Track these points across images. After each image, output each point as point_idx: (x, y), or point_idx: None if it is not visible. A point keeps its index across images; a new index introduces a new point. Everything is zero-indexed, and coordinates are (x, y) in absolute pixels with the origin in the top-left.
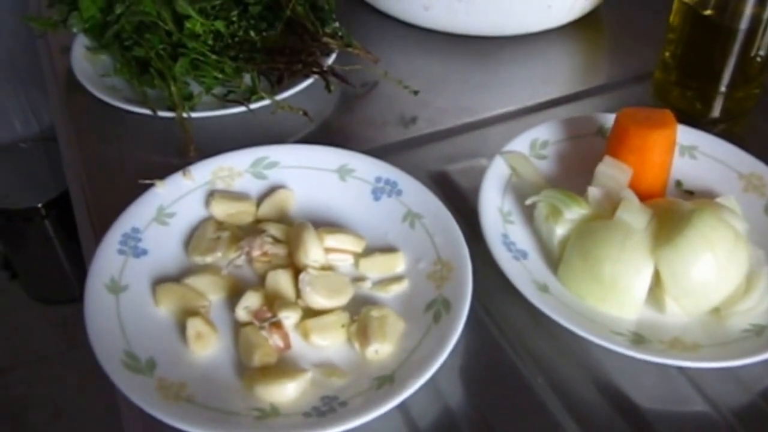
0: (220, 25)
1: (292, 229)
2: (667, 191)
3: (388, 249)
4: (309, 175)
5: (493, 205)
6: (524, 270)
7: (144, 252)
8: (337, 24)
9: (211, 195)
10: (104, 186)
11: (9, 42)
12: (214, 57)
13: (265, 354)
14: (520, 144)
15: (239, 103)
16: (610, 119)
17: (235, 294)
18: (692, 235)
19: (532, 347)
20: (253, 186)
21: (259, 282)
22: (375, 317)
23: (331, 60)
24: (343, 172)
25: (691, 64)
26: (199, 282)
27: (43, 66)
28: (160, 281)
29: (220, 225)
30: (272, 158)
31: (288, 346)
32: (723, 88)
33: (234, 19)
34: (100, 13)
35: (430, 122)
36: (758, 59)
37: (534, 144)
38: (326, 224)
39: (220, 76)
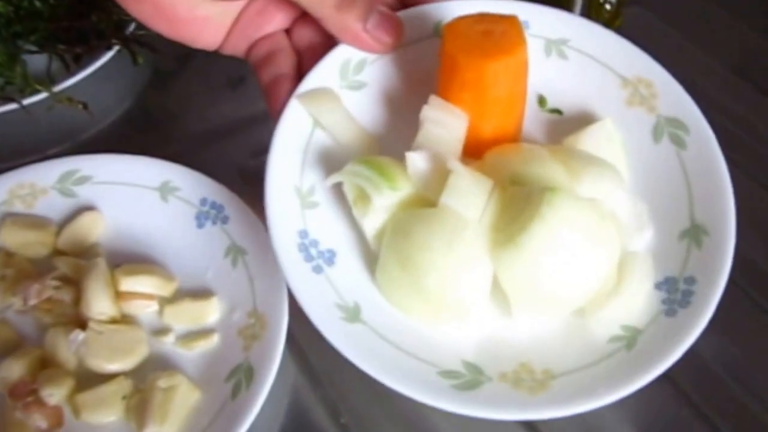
0: None
1: (83, 269)
2: (528, 115)
3: (202, 292)
4: (126, 192)
5: (287, 183)
6: (328, 287)
7: None
8: None
9: (4, 220)
10: None
11: None
12: None
13: None
14: (326, 73)
15: (9, 99)
16: (452, 10)
17: (13, 348)
18: (539, 231)
19: (362, 410)
20: (59, 206)
21: (42, 334)
22: (161, 389)
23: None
24: (166, 191)
25: None
26: None
27: None
28: None
29: (9, 259)
30: (84, 172)
31: (58, 424)
32: None
33: None
34: None
35: (244, 103)
36: (608, 6)
37: (345, 68)
38: (138, 255)
39: None
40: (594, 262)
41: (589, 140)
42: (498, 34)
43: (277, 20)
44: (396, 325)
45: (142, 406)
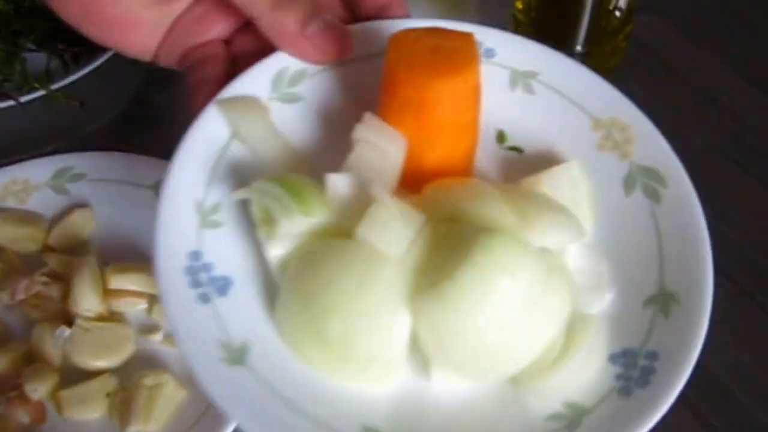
0: None
1: (72, 265)
2: (483, 151)
3: None
4: (120, 191)
5: (186, 195)
6: (211, 320)
7: None
8: None
9: None
10: None
11: None
12: None
13: None
14: (256, 80)
15: (6, 96)
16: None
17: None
18: (469, 278)
19: None
20: (52, 203)
21: (29, 329)
22: (146, 387)
23: None
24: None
25: (544, 19)
26: None
27: None
28: None
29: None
30: (78, 169)
31: (41, 419)
32: (579, 47)
33: None
34: None
35: None
36: (617, 13)
37: (280, 78)
38: (129, 253)
39: None
40: (535, 323)
41: (549, 183)
42: (448, 50)
43: (216, 29)
44: (289, 373)
45: (127, 404)
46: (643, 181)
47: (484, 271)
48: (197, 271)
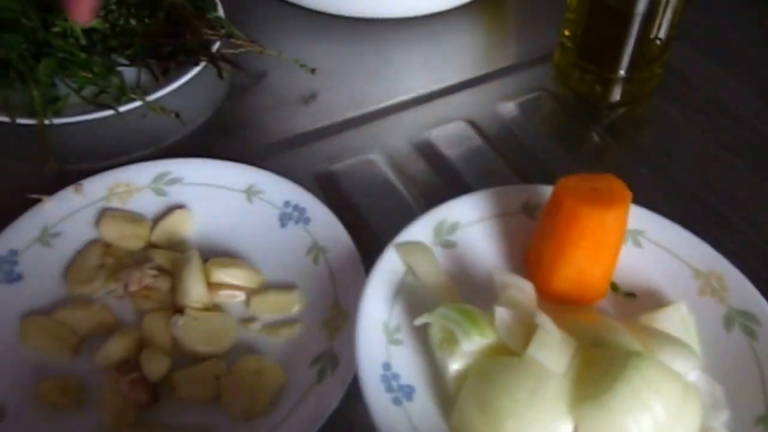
0: (97, 22)
1: (179, 260)
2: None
3: (286, 286)
4: (213, 194)
5: (377, 318)
6: (405, 420)
7: (18, 277)
8: (221, 13)
9: (103, 214)
10: None
11: None
12: (83, 56)
13: (119, 412)
14: (422, 228)
15: (107, 106)
16: (537, 193)
17: (112, 329)
18: (625, 391)
19: None
20: (152, 204)
21: (139, 318)
22: (252, 370)
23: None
24: (251, 193)
25: (589, 46)
26: (71, 316)
27: None
28: (30, 313)
29: (108, 249)
30: (175, 174)
31: (156, 399)
32: (622, 72)
33: (113, 7)
34: None
35: (317, 117)
36: (657, 42)
37: (439, 228)
38: (225, 251)
39: (89, 75)
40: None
41: (664, 320)
42: (604, 189)
43: None
44: None
45: (234, 386)
46: (741, 321)
47: (635, 388)
48: (389, 379)
